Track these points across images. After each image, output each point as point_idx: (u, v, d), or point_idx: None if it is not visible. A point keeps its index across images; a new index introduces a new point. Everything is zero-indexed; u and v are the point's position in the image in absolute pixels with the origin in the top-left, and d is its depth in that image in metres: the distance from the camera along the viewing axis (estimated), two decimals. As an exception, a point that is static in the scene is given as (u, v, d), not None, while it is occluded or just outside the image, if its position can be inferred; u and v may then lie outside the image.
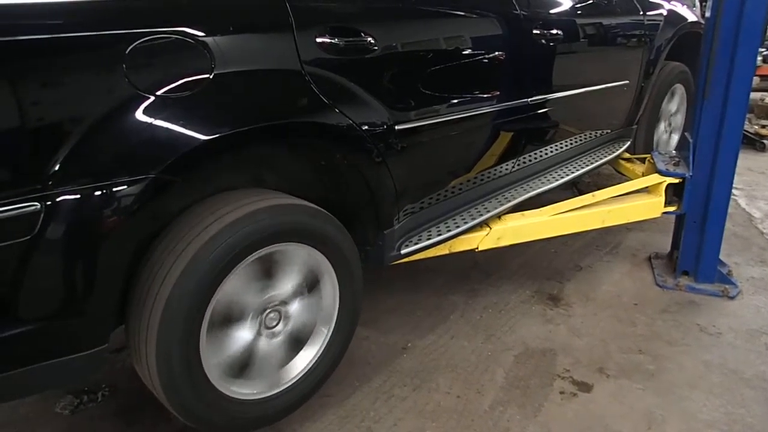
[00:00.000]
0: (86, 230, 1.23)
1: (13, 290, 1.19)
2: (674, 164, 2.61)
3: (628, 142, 3.25)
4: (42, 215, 1.16)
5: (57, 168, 1.17)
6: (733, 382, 1.92)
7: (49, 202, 1.16)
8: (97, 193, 1.21)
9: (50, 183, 1.16)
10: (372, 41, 1.67)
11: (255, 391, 1.60)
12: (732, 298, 2.44)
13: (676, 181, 2.52)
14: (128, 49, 1.23)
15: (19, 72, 1.13)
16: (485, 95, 2.15)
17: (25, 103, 1.13)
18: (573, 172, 2.77)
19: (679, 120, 3.71)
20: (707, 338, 2.17)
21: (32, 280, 1.19)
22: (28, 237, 1.16)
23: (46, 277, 1.21)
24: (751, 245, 2.97)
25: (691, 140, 2.47)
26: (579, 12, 2.63)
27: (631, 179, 2.87)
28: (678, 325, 2.25)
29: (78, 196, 1.19)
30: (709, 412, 1.79)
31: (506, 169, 2.43)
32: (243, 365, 1.58)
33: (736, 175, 2.40)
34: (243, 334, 1.57)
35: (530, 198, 2.47)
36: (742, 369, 1.99)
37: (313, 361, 1.72)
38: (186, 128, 1.31)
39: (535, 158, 2.60)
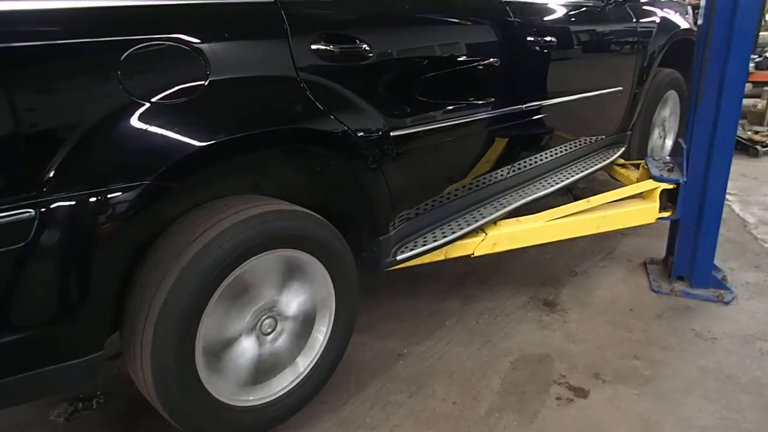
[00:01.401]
0: (81, 237, 1.23)
1: (6, 297, 1.18)
2: (668, 170, 2.62)
3: (623, 148, 3.27)
4: (36, 222, 1.16)
5: (51, 174, 1.17)
6: (729, 388, 1.92)
7: (43, 209, 1.16)
8: (92, 199, 1.21)
9: (45, 189, 1.16)
10: (367, 48, 1.68)
11: (249, 398, 1.60)
12: (727, 303, 2.44)
13: (671, 186, 2.53)
14: (123, 56, 1.24)
15: (13, 78, 1.13)
16: (480, 102, 2.16)
17: (19, 109, 1.13)
18: (568, 178, 2.78)
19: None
20: (702, 343, 2.17)
21: (26, 286, 1.19)
22: (22, 244, 1.16)
23: (40, 283, 1.21)
24: (745, 250, 2.98)
25: (684, 146, 2.49)
26: (572, 19, 2.65)
27: (626, 185, 2.89)
28: (673, 331, 2.25)
29: (73, 202, 1.19)
30: (705, 417, 1.79)
31: (501, 175, 2.43)
32: (238, 374, 1.58)
33: (729, 181, 2.41)
34: (239, 340, 1.56)
35: (526, 204, 2.48)
36: (737, 374, 1.99)
37: (306, 371, 1.72)
38: (181, 135, 1.31)
39: (530, 164, 2.61)
